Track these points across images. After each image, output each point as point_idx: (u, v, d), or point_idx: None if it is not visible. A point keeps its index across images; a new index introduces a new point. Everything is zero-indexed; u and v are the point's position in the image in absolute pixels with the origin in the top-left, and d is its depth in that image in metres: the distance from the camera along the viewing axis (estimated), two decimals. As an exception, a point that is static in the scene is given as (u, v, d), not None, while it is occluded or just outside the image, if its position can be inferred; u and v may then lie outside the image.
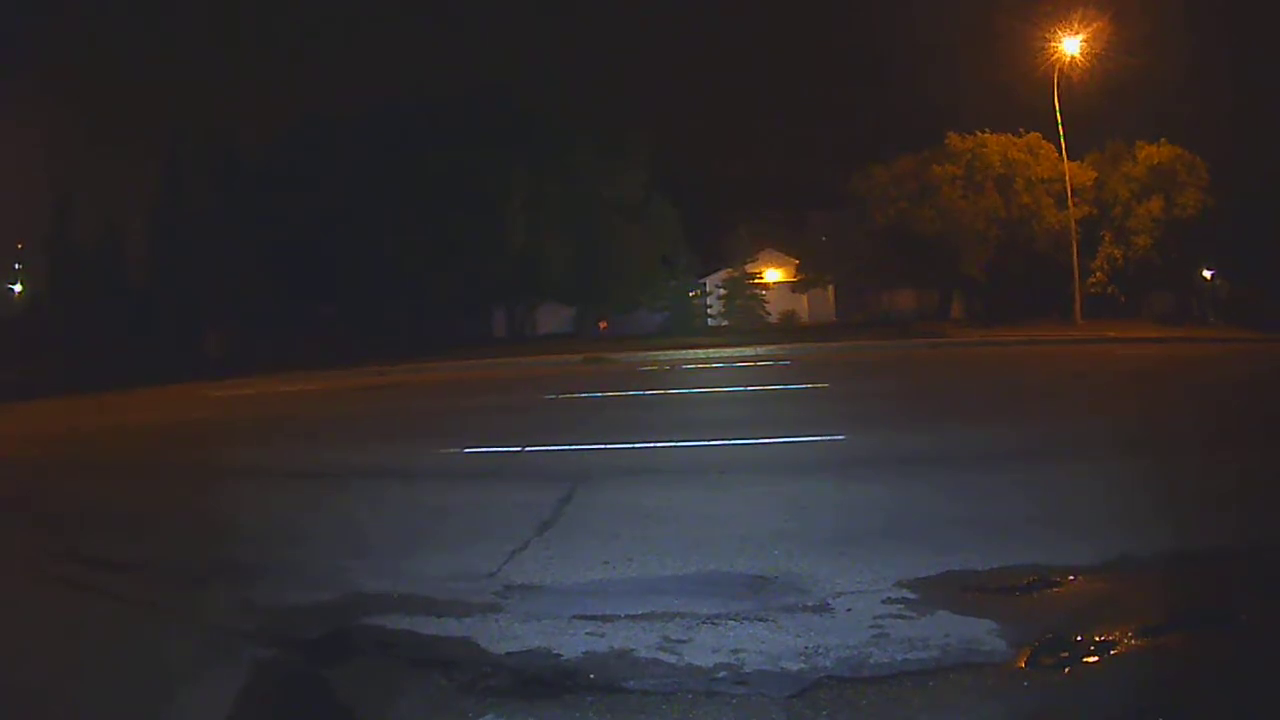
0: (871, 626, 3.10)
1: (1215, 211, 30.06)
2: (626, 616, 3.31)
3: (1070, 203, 28.48)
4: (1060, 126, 27.31)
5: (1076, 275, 27.78)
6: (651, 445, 7.32)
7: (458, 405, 12.85)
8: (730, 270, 39.87)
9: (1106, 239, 32.22)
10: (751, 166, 45.79)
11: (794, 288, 40.36)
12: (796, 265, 40.06)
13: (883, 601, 3.34)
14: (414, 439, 9.00)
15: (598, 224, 33.17)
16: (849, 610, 3.28)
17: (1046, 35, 26.27)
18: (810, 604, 3.36)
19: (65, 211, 38.63)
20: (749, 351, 21.88)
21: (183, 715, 2.73)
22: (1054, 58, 26.41)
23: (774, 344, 24.48)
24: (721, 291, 40.61)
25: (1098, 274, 32.03)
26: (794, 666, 2.80)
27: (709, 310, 41.64)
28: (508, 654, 3.01)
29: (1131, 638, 2.92)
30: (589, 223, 33.12)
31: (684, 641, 3.03)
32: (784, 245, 41.20)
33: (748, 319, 38.74)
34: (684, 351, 22.84)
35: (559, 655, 2.98)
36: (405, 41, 61.91)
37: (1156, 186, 30.96)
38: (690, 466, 6.41)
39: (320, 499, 6.03)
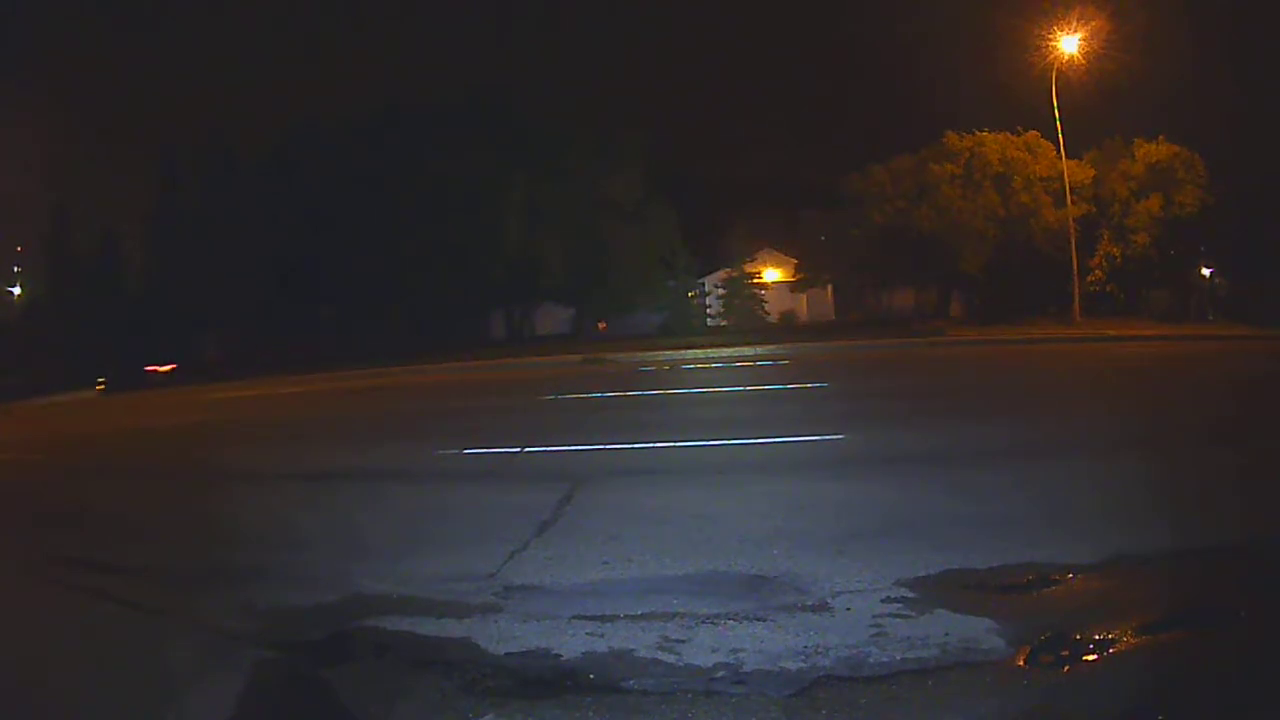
0: (871, 625, 3.10)
1: (1214, 209, 30.06)
2: (626, 617, 3.31)
3: (1069, 201, 28.48)
4: (1059, 125, 27.32)
5: (1075, 273, 27.79)
6: (651, 445, 7.32)
7: (457, 406, 12.85)
8: (729, 270, 39.88)
9: (1105, 237, 32.23)
10: (750, 166, 45.85)
11: (793, 287, 40.37)
12: (795, 265, 40.07)
13: (882, 600, 3.34)
14: (413, 440, 8.99)
15: (595, 225, 33.18)
16: (848, 609, 3.28)
17: (1045, 34, 26.28)
18: (809, 603, 3.36)
19: (64, 215, 38.65)
20: (748, 351, 21.89)
21: (185, 717, 2.73)
22: (1052, 56, 26.41)
23: (773, 343, 24.50)
24: (720, 291, 40.62)
25: (1096, 272, 32.05)
26: (793, 666, 2.80)
27: (708, 310, 41.65)
28: (507, 654, 3.02)
29: (1130, 636, 2.92)
30: (587, 224, 33.14)
31: (683, 641, 3.04)
32: (782, 245, 41.23)
33: (747, 319, 38.75)
34: (683, 351, 22.86)
35: (558, 656, 2.98)
36: (403, 45, 61.96)
37: (1155, 184, 30.98)
38: (690, 466, 6.41)
39: (320, 501, 6.02)
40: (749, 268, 39.95)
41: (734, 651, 2.93)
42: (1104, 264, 32.18)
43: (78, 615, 3.81)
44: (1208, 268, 32.35)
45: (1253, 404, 9.01)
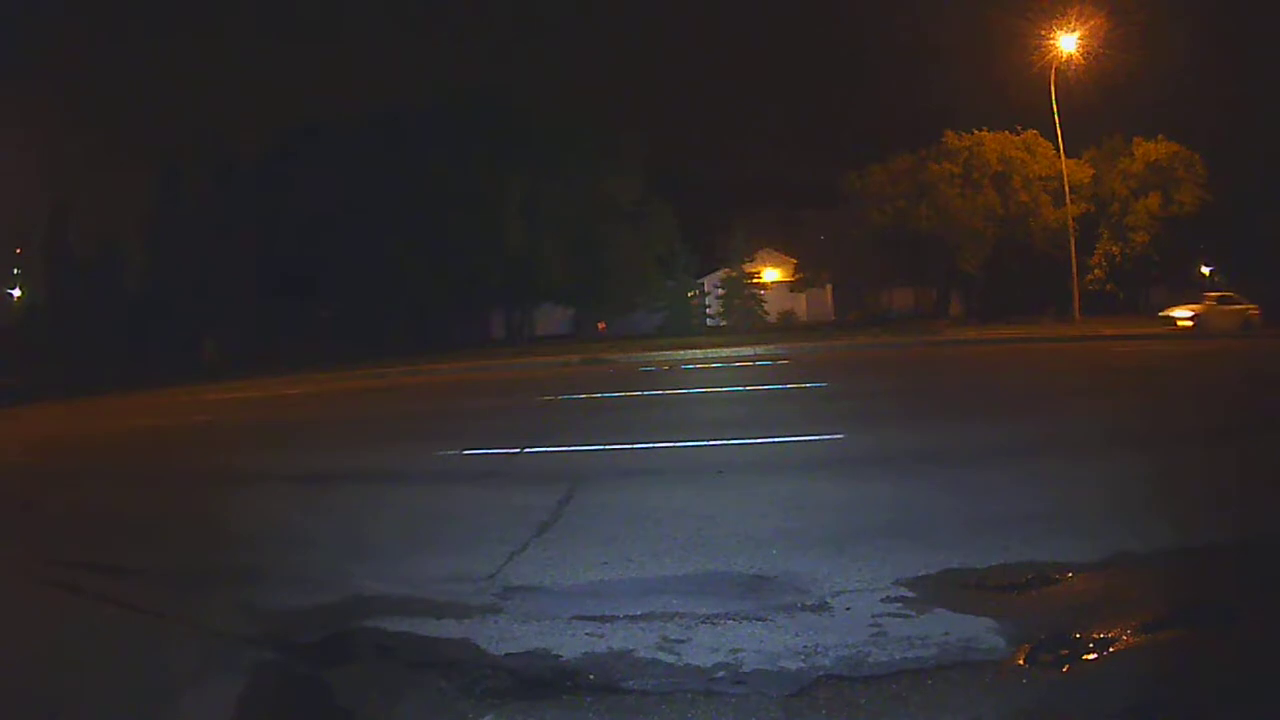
0: (870, 625, 3.10)
1: (1213, 208, 30.10)
2: (625, 617, 3.31)
3: (1068, 200, 28.52)
4: (1057, 124, 27.36)
5: (1074, 272, 27.83)
6: (650, 445, 7.32)
7: (456, 407, 12.85)
8: (728, 270, 39.94)
9: (1104, 236, 32.28)
10: (749, 166, 45.99)
11: (792, 287, 40.44)
12: (794, 265, 40.14)
13: (881, 600, 3.34)
14: (412, 441, 8.99)
15: (595, 225, 33.19)
16: (848, 609, 3.28)
17: (1043, 32, 26.33)
18: (809, 603, 3.36)
19: (63, 217, 38.65)
20: (747, 351, 21.90)
21: (184, 719, 2.73)
22: (1051, 55, 26.45)
23: (772, 343, 24.51)
24: (719, 291, 40.67)
25: (1096, 271, 32.09)
26: (793, 665, 2.80)
27: (707, 310, 41.70)
28: (507, 655, 3.01)
29: (1130, 635, 2.92)
30: (586, 224, 33.15)
31: (683, 641, 3.04)
32: (782, 245, 41.30)
33: (746, 319, 38.82)
34: (683, 352, 22.86)
35: (558, 656, 2.98)
36: (402, 45, 61.99)
37: (1154, 183, 31.02)
38: (689, 466, 6.41)
39: (319, 502, 6.02)
40: (748, 268, 39.99)
41: (734, 651, 2.93)
42: (1103, 263, 32.24)
43: (77, 617, 3.81)
44: (1207, 266, 32.43)
45: (1252, 402, 9.02)
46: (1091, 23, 25.61)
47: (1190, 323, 22.61)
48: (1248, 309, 23.23)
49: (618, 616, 3.32)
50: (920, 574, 3.60)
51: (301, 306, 35.49)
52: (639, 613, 3.34)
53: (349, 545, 4.73)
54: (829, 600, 3.38)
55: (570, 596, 3.60)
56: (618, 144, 34.21)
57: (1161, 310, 24.19)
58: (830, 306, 43.22)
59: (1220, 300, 23.50)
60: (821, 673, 2.74)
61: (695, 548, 4.15)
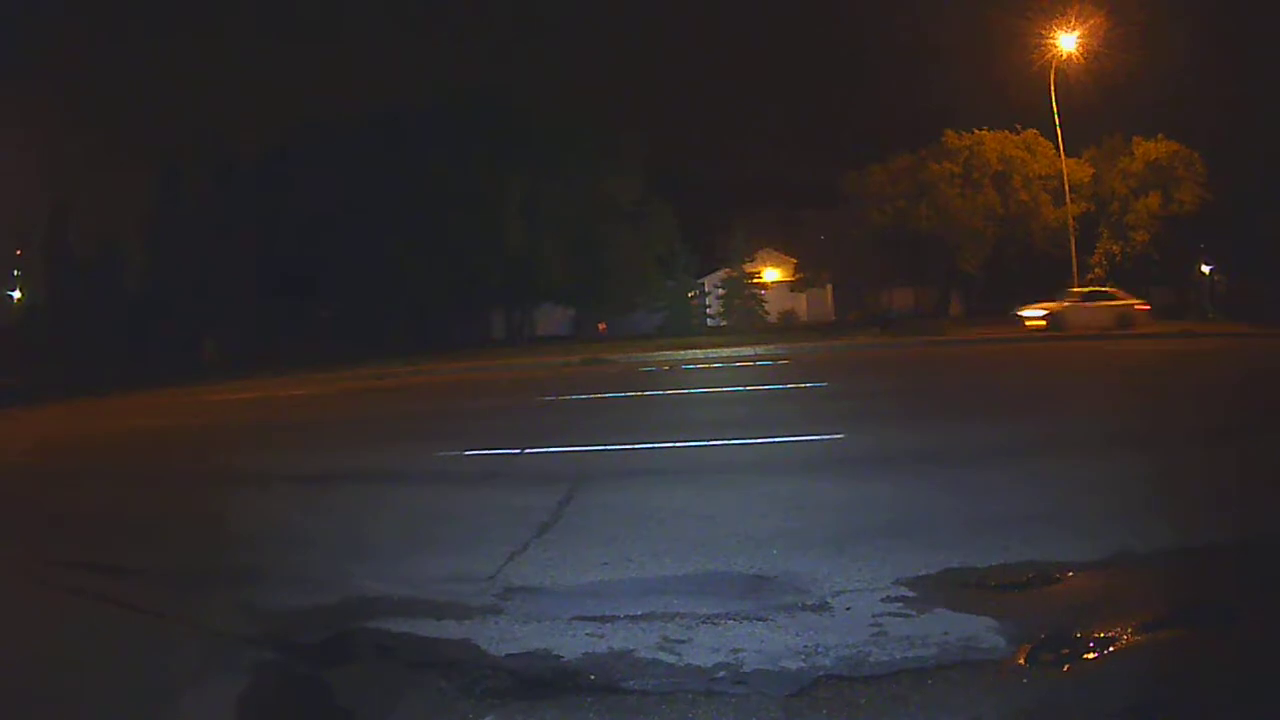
0: (870, 625, 3.10)
1: (1213, 207, 30.11)
2: (626, 617, 3.31)
3: (1068, 199, 28.52)
4: (1057, 123, 27.35)
5: (1075, 272, 27.81)
6: (651, 446, 7.32)
7: (456, 407, 12.85)
8: (728, 270, 39.95)
9: (1104, 235, 32.30)
10: (749, 166, 46.00)
11: (792, 287, 40.46)
12: (794, 265, 40.15)
13: (882, 600, 3.34)
14: (413, 441, 8.99)
15: (595, 225, 33.18)
16: (848, 609, 3.28)
17: (1043, 32, 26.33)
18: (809, 603, 3.36)
19: (63, 217, 38.65)
20: (748, 351, 21.90)
21: (184, 719, 2.73)
22: (1051, 54, 26.45)
23: (773, 343, 24.51)
24: (720, 291, 40.68)
25: (1096, 270, 32.11)
26: (793, 665, 2.80)
27: (707, 310, 41.70)
28: (508, 656, 3.01)
29: (1131, 634, 2.92)
30: (586, 224, 33.14)
31: (683, 641, 3.03)
32: (782, 245, 41.32)
33: (746, 319, 38.83)
34: (683, 352, 22.87)
35: (559, 656, 2.98)
36: (402, 45, 61.99)
37: (1154, 182, 31.04)
38: (689, 466, 6.41)
39: (320, 502, 6.02)
40: (748, 268, 39.99)
41: (734, 651, 2.93)
42: (1104, 262, 32.27)
43: (77, 617, 3.81)
44: (1207, 265, 32.44)
45: (1253, 401, 9.01)
46: (1091, 23, 25.64)
47: (1042, 322, 22.30)
48: (1127, 305, 22.84)
49: (618, 617, 3.32)
50: (920, 574, 3.60)
51: (301, 306, 35.50)
52: (639, 613, 3.34)
53: (349, 545, 4.73)
54: (829, 600, 3.38)
55: (571, 597, 3.60)
56: (618, 144, 34.18)
57: (1014, 309, 24.15)
58: (830, 306, 43.23)
59: (1087, 297, 23.12)
60: (822, 672, 2.74)
61: (695, 548, 4.15)
